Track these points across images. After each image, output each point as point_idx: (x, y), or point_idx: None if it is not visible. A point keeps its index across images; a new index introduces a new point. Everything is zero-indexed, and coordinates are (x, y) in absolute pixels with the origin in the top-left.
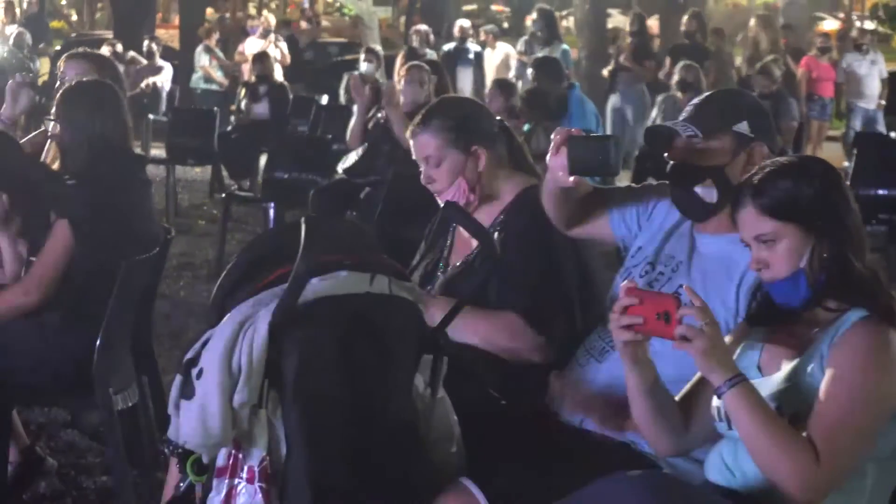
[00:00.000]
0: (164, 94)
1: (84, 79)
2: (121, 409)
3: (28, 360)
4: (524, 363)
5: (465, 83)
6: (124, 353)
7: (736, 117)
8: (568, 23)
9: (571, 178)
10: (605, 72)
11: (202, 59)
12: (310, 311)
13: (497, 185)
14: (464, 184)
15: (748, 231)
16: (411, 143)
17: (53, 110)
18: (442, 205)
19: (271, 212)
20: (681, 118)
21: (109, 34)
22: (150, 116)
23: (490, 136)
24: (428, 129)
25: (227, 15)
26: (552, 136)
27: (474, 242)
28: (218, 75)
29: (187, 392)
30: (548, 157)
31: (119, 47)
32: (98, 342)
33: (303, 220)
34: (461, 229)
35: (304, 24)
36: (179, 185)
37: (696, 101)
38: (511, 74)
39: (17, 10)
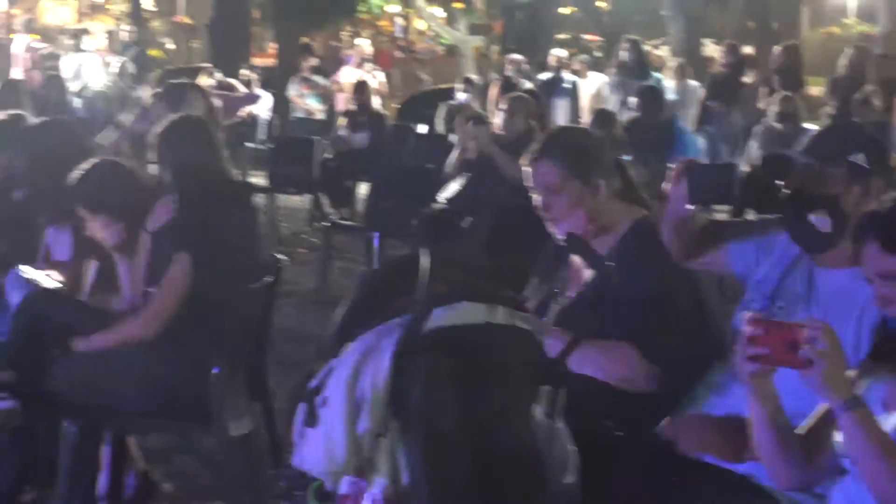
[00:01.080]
0: (262, 123)
1: (173, 116)
2: (235, 436)
3: (143, 387)
4: (639, 393)
5: (560, 113)
6: (238, 380)
7: (853, 148)
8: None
9: (691, 208)
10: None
11: (292, 90)
12: (431, 342)
13: (612, 216)
14: (582, 214)
15: (872, 267)
16: (529, 169)
17: (152, 149)
18: (555, 233)
19: (375, 241)
20: (798, 148)
21: (207, 64)
22: (249, 145)
23: (609, 168)
24: (549, 158)
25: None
26: (674, 167)
27: (588, 273)
28: (308, 103)
29: (312, 420)
30: (668, 186)
31: (217, 76)
32: (213, 369)
33: (425, 251)
34: (574, 260)
35: (397, 54)
36: (279, 214)
37: (815, 132)
38: (605, 105)
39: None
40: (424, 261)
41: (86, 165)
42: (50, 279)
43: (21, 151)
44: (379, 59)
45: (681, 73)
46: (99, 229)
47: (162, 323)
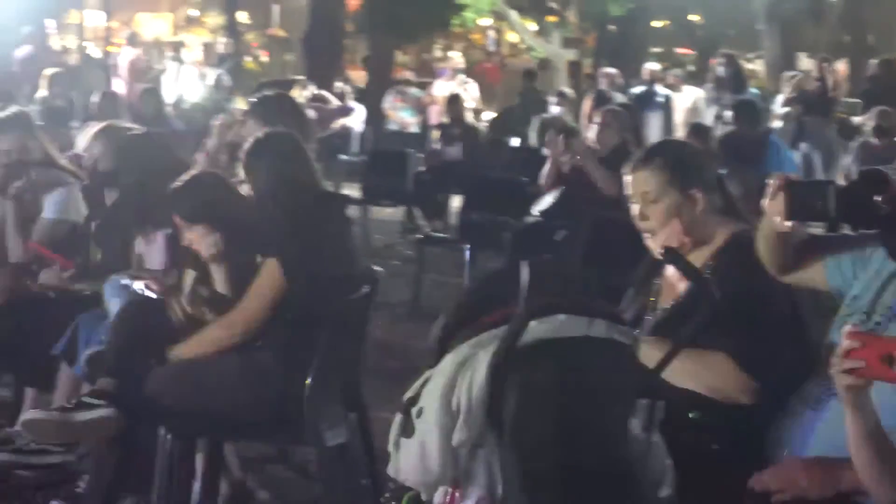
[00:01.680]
0: (356, 135)
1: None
2: (330, 445)
3: (240, 397)
4: (735, 406)
5: (653, 127)
6: (335, 390)
7: None
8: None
9: (788, 224)
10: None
11: (385, 102)
12: (528, 354)
13: (709, 229)
14: (678, 225)
15: None
16: (628, 178)
17: (242, 164)
18: (650, 245)
19: (467, 253)
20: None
21: (301, 77)
22: (342, 157)
23: (709, 181)
24: (649, 167)
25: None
26: (770, 182)
27: (682, 285)
28: (401, 116)
29: (407, 430)
30: (765, 202)
31: (311, 88)
32: (310, 379)
33: (524, 263)
34: (669, 272)
35: (489, 66)
36: (372, 226)
37: None
38: (700, 118)
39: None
40: (524, 273)
41: (185, 176)
42: (148, 288)
43: (115, 161)
44: (487, 73)
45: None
46: (197, 239)
47: (248, 326)
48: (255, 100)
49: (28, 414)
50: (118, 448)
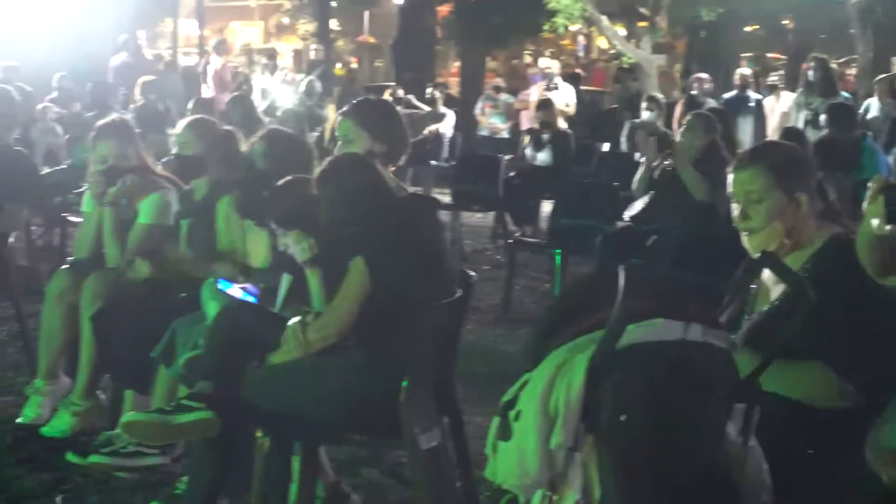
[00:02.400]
0: (447, 141)
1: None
2: (424, 449)
3: (334, 399)
4: (832, 411)
5: (745, 132)
6: (429, 393)
7: None
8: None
9: (888, 227)
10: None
11: (476, 108)
12: (626, 357)
13: (809, 232)
14: (780, 227)
15: None
16: (731, 177)
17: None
18: (748, 246)
19: (557, 258)
20: None
21: (391, 83)
22: (433, 163)
23: (812, 186)
24: (754, 167)
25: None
26: (870, 185)
27: (779, 289)
28: (492, 122)
29: (505, 434)
30: (865, 205)
31: (400, 93)
32: (405, 382)
33: (621, 267)
34: (765, 275)
35: (579, 72)
36: (463, 231)
37: None
38: (791, 123)
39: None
40: (621, 277)
41: (279, 183)
42: (245, 292)
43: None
44: (594, 77)
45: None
46: (291, 244)
47: (341, 328)
48: (355, 104)
49: (128, 416)
50: (217, 450)
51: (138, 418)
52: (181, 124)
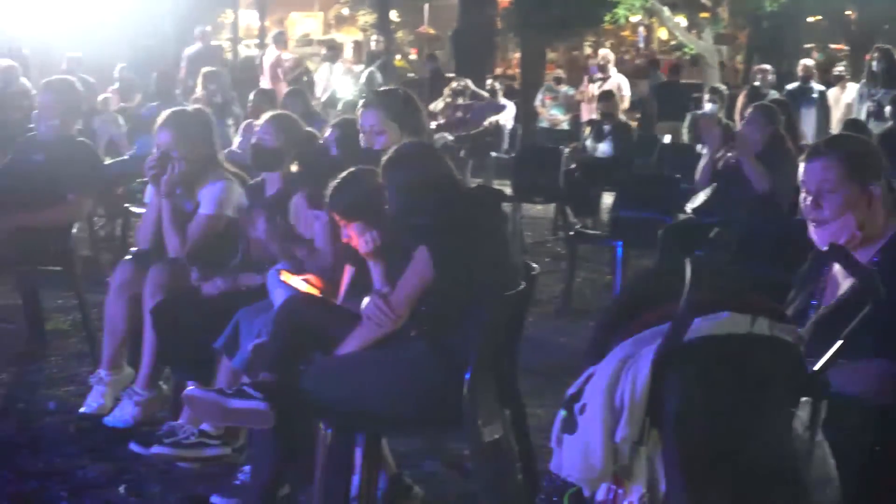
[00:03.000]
0: (507, 132)
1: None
2: (486, 441)
3: (396, 391)
4: None
5: (808, 123)
6: (491, 385)
7: None
8: None
9: None
10: None
11: (536, 100)
12: (691, 351)
13: (877, 225)
14: (852, 219)
15: None
16: (803, 167)
17: (381, 175)
18: (815, 238)
19: (619, 250)
20: None
21: (451, 74)
22: (493, 154)
23: (883, 177)
24: (828, 157)
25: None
26: None
27: (847, 282)
28: (552, 114)
29: (570, 427)
30: None
31: (461, 84)
32: (468, 374)
33: (687, 260)
34: (834, 268)
35: (639, 62)
36: (523, 223)
37: None
38: (854, 115)
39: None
40: (687, 269)
41: (342, 174)
42: (307, 283)
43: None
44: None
45: None
46: (354, 236)
47: (399, 316)
48: (379, 94)
49: (190, 389)
50: (279, 441)
51: (198, 393)
52: (265, 116)
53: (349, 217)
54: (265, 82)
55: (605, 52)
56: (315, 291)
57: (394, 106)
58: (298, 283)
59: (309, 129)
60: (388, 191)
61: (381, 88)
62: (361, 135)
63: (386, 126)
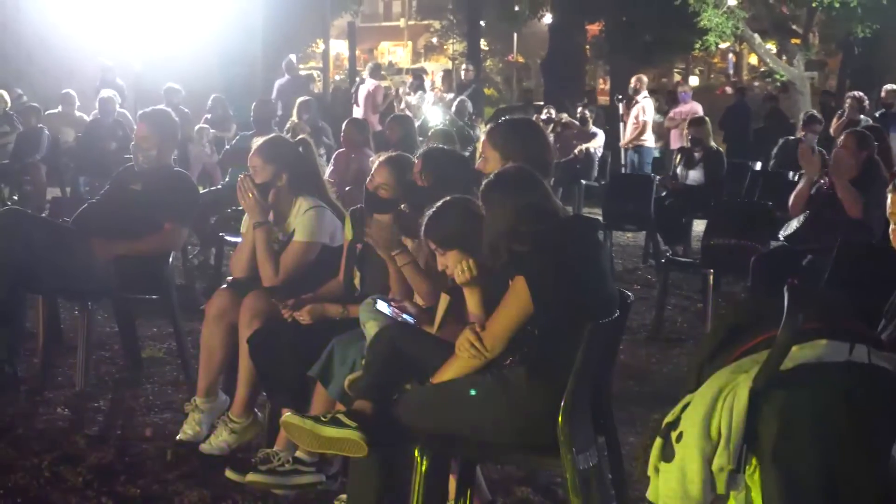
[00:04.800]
0: (597, 160)
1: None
2: (580, 468)
3: (492, 418)
4: None
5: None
6: (586, 413)
7: None
8: None
9: None
10: None
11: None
12: (789, 378)
13: None
14: None
15: None
16: (890, 196)
17: (481, 198)
18: None
19: (710, 278)
20: None
21: (540, 102)
22: (583, 182)
23: None
24: None
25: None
26: None
27: None
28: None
29: (667, 454)
30: None
31: (552, 112)
32: (563, 401)
33: (785, 288)
34: None
35: (728, 90)
36: (614, 250)
37: None
38: None
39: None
40: (786, 298)
41: (439, 202)
42: (403, 311)
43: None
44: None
45: None
46: (450, 265)
47: (496, 346)
48: (495, 125)
49: (286, 415)
50: (376, 469)
51: (293, 420)
52: (381, 159)
53: (445, 246)
54: (359, 112)
55: (694, 79)
56: (409, 320)
57: (496, 136)
58: (393, 311)
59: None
60: (486, 214)
61: (502, 119)
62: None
63: (488, 154)
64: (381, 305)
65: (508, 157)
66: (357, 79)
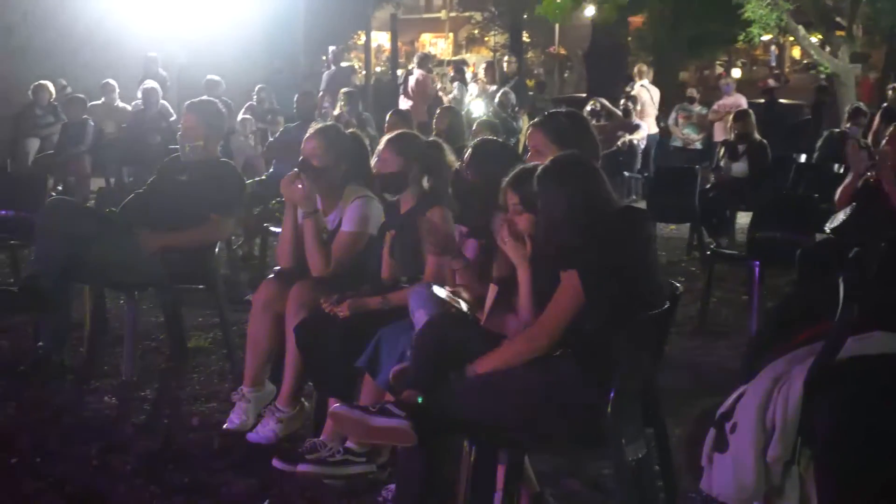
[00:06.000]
0: (640, 152)
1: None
2: (628, 460)
3: (542, 409)
4: None
5: None
6: (635, 404)
7: None
8: None
9: None
10: None
11: (669, 119)
12: (844, 371)
13: None
14: None
15: None
16: None
17: (536, 184)
18: None
19: (755, 270)
20: None
21: (582, 94)
22: (626, 174)
23: None
24: None
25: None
26: None
27: None
28: (685, 133)
29: (721, 445)
30: None
31: (598, 105)
32: (612, 393)
33: (840, 279)
34: None
35: (771, 82)
36: (658, 243)
37: None
38: None
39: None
40: (842, 289)
41: (529, 165)
42: (456, 299)
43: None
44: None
45: None
46: (522, 226)
47: (550, 336)
48: (544, 116)
49: (335, 406)
50: (424, 459)
51: (342, 410)
52: (382, 140)
53: (527, 205)
54: (405, 103)
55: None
56: (464, 305)
57: (555, 128)
58: (448, 298)
59: (433, 139)
60: (541, 200)
61: (551, 111)
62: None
63: (545, 147)
64: (437, 290)
65: (563, 148)
66: (406, 70)
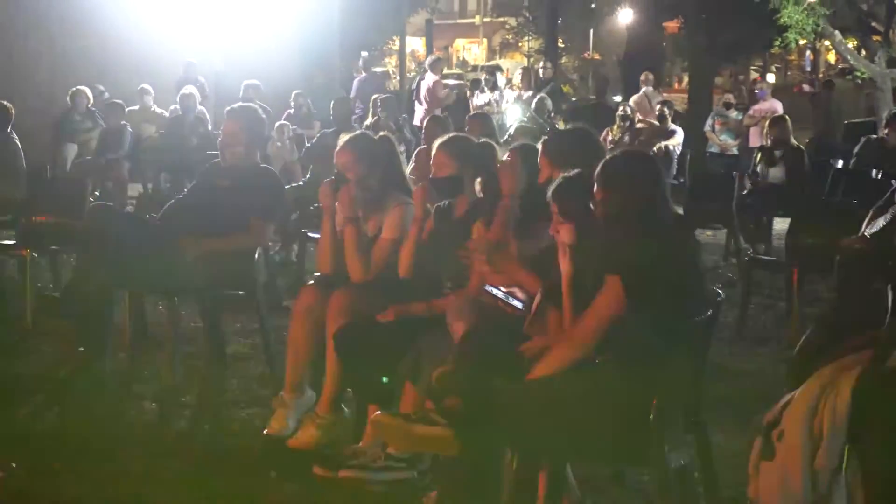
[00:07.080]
0: (676, 158)
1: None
2: (671, 468)
3: (583, 416)
4: None
5: None
6: (677, 412)
7: None
8: None
9: None
10: None
11: (706, 125)
12: (893, 378)
13: None
14: None
15: None
16: None
17: (598, 181)
18: None
19: (794, 277)
20: None
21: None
22: None
23: None
24: None
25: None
26: None
27: None
28: (722, 139)
29: (768, 453)
30: None
31: (628, 109)
32: (656, 399)
33: (889, 287)
34: None
35: (806, 87)
36: None
37: None
38: None
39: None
40: (890, 296)
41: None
42: (512, 298)
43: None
44: None
45: None
46: (563, 237)
47: (589, 344)
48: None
49: (376, 415)
50: (466, 466)
51: (384, 419)
52: (435, 143)
53: (565, 216)
54: (420, 109)
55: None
56: (519, 304)
57: (556, 149)
58: (503, 294)
59: (484, 139)
60: (603, 195)
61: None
62: None
63: (545, 167)
64: (493, 290)
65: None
66: (419, 74)
